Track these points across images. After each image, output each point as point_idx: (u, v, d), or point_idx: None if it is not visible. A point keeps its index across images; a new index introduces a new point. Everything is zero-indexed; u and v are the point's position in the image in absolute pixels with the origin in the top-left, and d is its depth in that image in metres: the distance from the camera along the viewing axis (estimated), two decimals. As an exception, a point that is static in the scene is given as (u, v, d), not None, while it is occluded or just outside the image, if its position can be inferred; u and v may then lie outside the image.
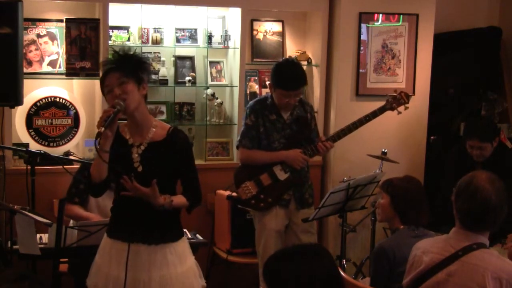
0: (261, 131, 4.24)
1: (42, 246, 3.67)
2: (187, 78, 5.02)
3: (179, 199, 3.00)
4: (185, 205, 3.03)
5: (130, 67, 2.93)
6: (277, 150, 4.23)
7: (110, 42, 4.76)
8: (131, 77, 2.92)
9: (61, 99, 4.75)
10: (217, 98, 5.10)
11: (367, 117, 4.31)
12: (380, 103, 5.27)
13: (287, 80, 4.13)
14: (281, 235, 4.27)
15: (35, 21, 4.72)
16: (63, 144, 4.75)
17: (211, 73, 5.13)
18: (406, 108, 4.37)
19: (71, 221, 3.98)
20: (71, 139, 4.78)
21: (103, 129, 2.78)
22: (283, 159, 4.21)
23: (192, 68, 5.10)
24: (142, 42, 4.89)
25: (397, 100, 4.37)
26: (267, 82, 5.32)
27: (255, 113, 4.26)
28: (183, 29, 5.04)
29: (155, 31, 4.92)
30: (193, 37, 5.06)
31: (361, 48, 5.22)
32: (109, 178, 2.93)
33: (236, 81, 5.09)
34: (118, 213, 3.06)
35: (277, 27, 5.35)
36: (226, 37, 5.08)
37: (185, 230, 4.14)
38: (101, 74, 3.05)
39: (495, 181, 2.71)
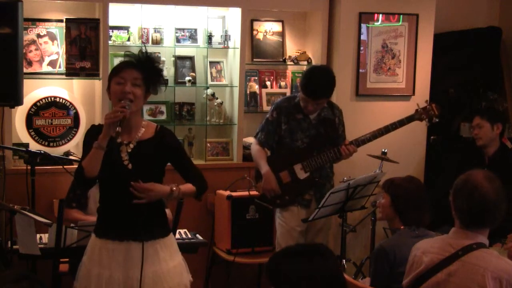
0: (283, 128, 4.29)
1: (42, 246, 3.67)
2: (187, 78, 5.02)
3: (187, 186, 3.04)
4: (193, 192, 3.06)
5: (151, 76, 2.99)
6: (299, 149, 4.27)
7: (110, 42, 4.76)
8: (144, 84, 2.97)
9: (61, 99, 4.75)
10: (217, 98, 5.10)
11: (394, 125, 4.34)
12: (380, 103, 5.30)
13: (309, 87, 4.15)
14: (303, 235, 4.33)
15: (35, 21, 4.72)
16: (63, 144, 4.75)
17: (211, 73, 5.13)
18: (435, 121, 4.39)
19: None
20: (71, 139, 4.78)
21: (120, 129, 2.83)
22: (262, 173, 4.28)
23: (192, 68, 5.10)
24: (142, 42, 4.88)
25: (427, 111, 4.37)
26: (267, 82, 5.34)
27: (278, 110, 4.32)
28: (183, 29, 5.04)
29: (155, 31, 4.92)
30: (193, 37, 5.06)
31: (361, 48, 5.22)
32: (99, 175, 2.92)
33: (236, 81, 5.09)
34: (105, 212, 3.07)
35: (277, 27, 5.35)
36: (226, 37, 5.08)
37: (185, 230, 4.19)
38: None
39: (492, 179, 2.71)
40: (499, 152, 4.70)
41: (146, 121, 3.11)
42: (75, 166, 4.39)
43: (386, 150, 4.80)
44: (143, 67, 2.97)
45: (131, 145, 3.00)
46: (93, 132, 2.99)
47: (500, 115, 4.92)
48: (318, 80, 4.14)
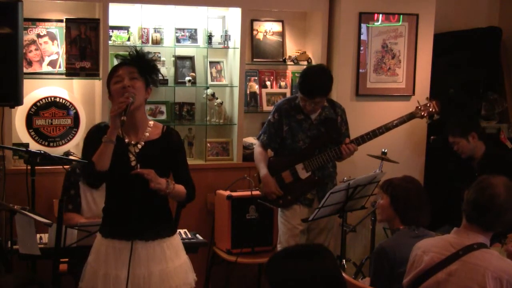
0: (285, 130, 4.31)
1: (42, 246, 3.67)
2: (187, 78, 5.02)
3: (180, 187, 3.05)
4: (183, 195, 3.07)
5: (145, 68, 3.02)
6: (301, 149, 4.30)
7: (110, 42, 4.76)
8: (142, 77, 3.00)
9: (61, 99, 4.75)
10: (217, 98, 5.10)
11: (394, 123, 4.35)
12: (380, 103, 5.30)
13: (305, 86, 4.18)
14: (304, 234, 4.37)
15: (35, 21, 4.72)
16: (63, 144, 4.75)
17: (211, 73, 5.13)
18: (436, 118, 4.40)
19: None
20: (71, 139, 4.78)
21: (124, 118, 2.84)
22: (260, 176, 4.36)
23: (192, 68, 5.10)
24: (142, 42, 4.88)
25: (427, 108, 4.38)
26: (267, 82, 5.34)
27: (279, 111, 4.35)
28: (183, 29, 5.04)
29: (155, 31, 4.92)
30: (193, 37, 5.06)
31: (361, 48, 5.22)
32: (109, 171, 2.93)
33: (236, 81, 5.09)
34: (112, 212, 3.08)
35: (277, 27, 5.35)
36: (226, 37, 5.08)
37: (185, 230, 4.19)
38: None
39: (511, 187, 2.75)
40: (485, 156, 4.73)
41: (152, 121, 3.13)
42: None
43: (386, 150, 4.80)
44: (137, 62, 3.01)
45: (139, 146, 3.02)
46: (99, 130, 3.00)
47: (468, 123, 4.87)
48: (314, 79, 4.17)
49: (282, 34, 5.36)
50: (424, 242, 2.91)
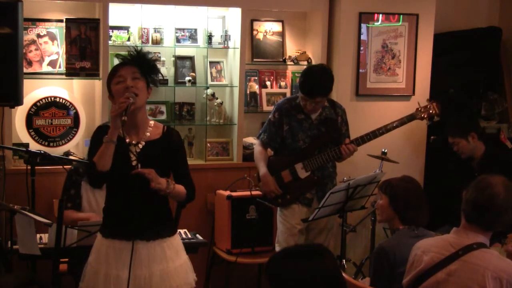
0: (285, 129, 4.32)
1: (42, 246, 3.68)
2: (187, 78, 5.02)
3: (180, 187, 3.05)
4: (183, 195, 3.08)
5: (146, 67, 3.02)
6: (301, 149, 4.30)
7: (110, 42, 4.76)
8: (144, 77, 3.01)
9: (61, 99, 4.75)
10: (217, 98, 5.10)
11: (394, 124, 4.35)
12: (380, 103, 5.30)
13: (306, 85, 4.19)
14: (303, 233, 4.36)
15: (35, 21, 4.73)
16: (63, 144, 4.75)
17: (211, 73, 5.13)
18: (436, 120, 4.41)
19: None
20: (71, 139, 4.78)
21: (125, 118, 2.84)
22: (260, 175, 4.37)
23: (192, 68, 5.10)
24: (142, 42, 4.88)
25: (427, 110, 4.39)
26: (267, 82, 5.34)
27: (280, 111, 4.36)
28: (183, 29, 5.04)
29: (155, 31, 4.92)
30: (193, 37, 5.06)
31: (361, 48, 5.22)
32: (110, 170, 2.94)
33: (236, 81, 5.09)
34: (112, 212, 3.08)
35: (277, 27, 5.35)
36: (226, 37, 5.08)
37: (185, 230, 4.19)
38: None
39: (510, 187, 2.74)
40: (485, 156, 4.74)
41: (153, 121, 3.14)
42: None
43: (386, 150, 4.80)
44: (138, 62, 3.01)
45: (140, 145, 3.02)
46: (101, 131, 3.00)
47: (467, 124, 4.89)
48: (314, 79, 4.18)
49: (282, 34, 5.37)
50: (423, 242, 2.91)
